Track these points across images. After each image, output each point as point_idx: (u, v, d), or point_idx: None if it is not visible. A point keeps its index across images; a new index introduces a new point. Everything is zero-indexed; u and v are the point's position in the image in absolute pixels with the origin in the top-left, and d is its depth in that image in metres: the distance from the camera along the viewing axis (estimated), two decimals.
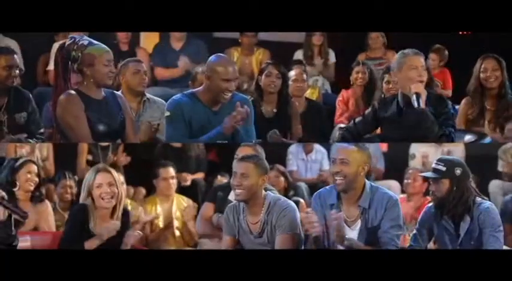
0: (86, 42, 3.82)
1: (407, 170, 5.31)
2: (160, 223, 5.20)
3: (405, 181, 5.23)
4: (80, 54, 3.80)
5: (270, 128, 4.86)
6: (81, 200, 3.89)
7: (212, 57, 4.26)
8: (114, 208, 3.86)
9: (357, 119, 4.41)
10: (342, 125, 5.29)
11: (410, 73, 4.12)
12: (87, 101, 3.82)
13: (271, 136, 4.82)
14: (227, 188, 4.32)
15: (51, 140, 4.17)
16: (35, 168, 4.39)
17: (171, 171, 5.35)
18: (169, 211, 5.27)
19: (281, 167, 5.24)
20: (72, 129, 3.82)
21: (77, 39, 3.83)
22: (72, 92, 3.81)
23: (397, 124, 4.21)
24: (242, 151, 4.22)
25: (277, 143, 4.97)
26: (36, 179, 4.39)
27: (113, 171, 3.90)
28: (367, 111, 4.39)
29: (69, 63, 3.81)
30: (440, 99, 4.20)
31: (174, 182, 5.35)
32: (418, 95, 4.06)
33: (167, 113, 4.24)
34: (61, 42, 4.08)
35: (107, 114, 3.89)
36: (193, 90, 4.38)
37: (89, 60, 3.80)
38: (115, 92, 4.12)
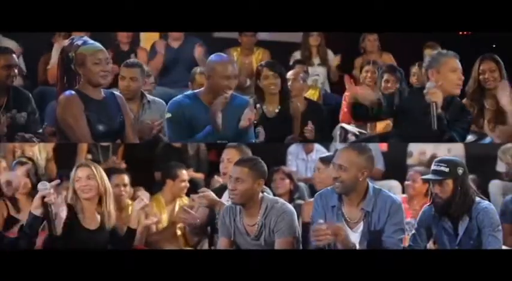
0: (80, 42, 3.84)
1: (408, 172, 5.30)
2: (164, 223, 5.20)
3: (406, 182, 5.22)
4: (73, 54, 3.83)
5: (272, 128, 4.86)
6: (69, 196, 3.89)
7: (212, 56, 4.27)
8: (100, 201, 3.90)
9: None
10: (344, 125, 5.29)
11: (451, 75, 4.08)
12: (87, 101, 3.84)
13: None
14: (221, 190, 4.33)
15: (54, 136, 4.15)
16: (22, 169, 4.34)
17: (186, 173, 5.39)
18: (172, 210, 5.27)
19: (286, 169, 5.21)
20: (72, 129, 3.83)
21: (74, 40, 3.87)
22: (72, 92, 3.83)
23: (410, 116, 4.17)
24: (228, 154, 4.22)
25: (278, 143, 4.97)
26: (26, 181, 4.34)
27: (94, 166, 3.92)
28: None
29: (69, 64, 3.84)
30: (462, 110, 4.19)
31: (187, 185, 5.39)
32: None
33: (168, 115, 4.24)
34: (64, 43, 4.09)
35: (107, 114, 3.90)
36: (195, 91, 4.38)
37: (80, 60, 3.83)
38: (114, 92, 4.14)
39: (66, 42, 3.93)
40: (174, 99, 4.29)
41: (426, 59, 4.41)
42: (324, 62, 6.72)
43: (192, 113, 4.20)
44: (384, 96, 4.19)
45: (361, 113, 4.11)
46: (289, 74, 5.40)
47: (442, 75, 4.10)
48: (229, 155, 4.22)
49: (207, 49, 6.34)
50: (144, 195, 4.06)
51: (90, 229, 3.87)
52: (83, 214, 3.86)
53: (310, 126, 5.05)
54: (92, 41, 3.88)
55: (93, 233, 3.87)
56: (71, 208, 3.82)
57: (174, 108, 4.24)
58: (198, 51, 6.33)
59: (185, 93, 4.36)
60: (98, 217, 3.91)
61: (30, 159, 4.55)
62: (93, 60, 3.82)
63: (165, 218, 5.22)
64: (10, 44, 5.84)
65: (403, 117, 4.15)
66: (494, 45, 5.62)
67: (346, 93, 5.87)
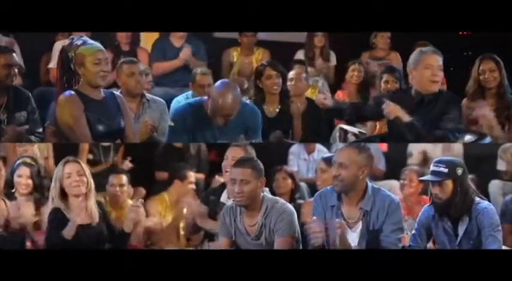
0: (79, 42, 3.85)
1: (403, 171, 5.30)
2: (168, 222, 5.20)
3: (401, 181, 5.21)
4: (73, 54, 3.84)
5: (273, 128, 4.86)
6: (51, 193, 3.88)
7: (218, 84, 4.25)
8: (86, 197, 3.88)
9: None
10: (343, 126, 5.29)
11: (425, 72, 4.09)
12: (87, 101, 3.85)
13: (275, 137, 4.83)
14: (219, 190, 4.33)
15: (55, 136, 4.15)
16: (26, 171, 4.33)
17: (194, 176, 5.39)
18: (176, 210, 5.27)
19: (288, 169, 5.20)
20: (72, 129, 3.84)
21: (73, 40, 3.88)
22: (72, 92, 3.84)
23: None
24: (233, 152, 4.21)
25: (279, 143, 4.96)
26: (29, 182, 4.34)
27: (82, 162, 3.92)
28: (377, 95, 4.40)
29: (68, 63, 3.84)
30: (453, 101, 4.18)
31: (194, 187, 5.39)
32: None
33: (171, 123, 4.25)
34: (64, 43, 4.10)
35: (106, 114, 3.91)
36: (202, 98, 4.37)
37: (80, 60, 3.84)
38: (114, 92, 4.15)
39: (66, 42, 3.95)
40: (177, 106, 4.31)
41: None
42: (327, 64, 6.72)
43: (194, 123, 4.21)
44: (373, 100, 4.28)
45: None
46: (291, 74, 5.40)
47: (418, 73, 4.13)
48: (234, 154, 4.21)
49: (193, 49, 6.35)
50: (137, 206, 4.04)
51: (80, 224, 3.82)
52: (71, 211, 3.83)
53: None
54: (91, 41, 3.89)
55: (84, 228, 3.83)
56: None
57: (177, 117, 4.24)
58: (184, 52, 6.33)
59: (189, 101, 4.35)
60: (88, 211, 3.87)
61: (33, 159, 4.54)
62: (92, 60, 3.83)
63: (169, 217, 5.22)
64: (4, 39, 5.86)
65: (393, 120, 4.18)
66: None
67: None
